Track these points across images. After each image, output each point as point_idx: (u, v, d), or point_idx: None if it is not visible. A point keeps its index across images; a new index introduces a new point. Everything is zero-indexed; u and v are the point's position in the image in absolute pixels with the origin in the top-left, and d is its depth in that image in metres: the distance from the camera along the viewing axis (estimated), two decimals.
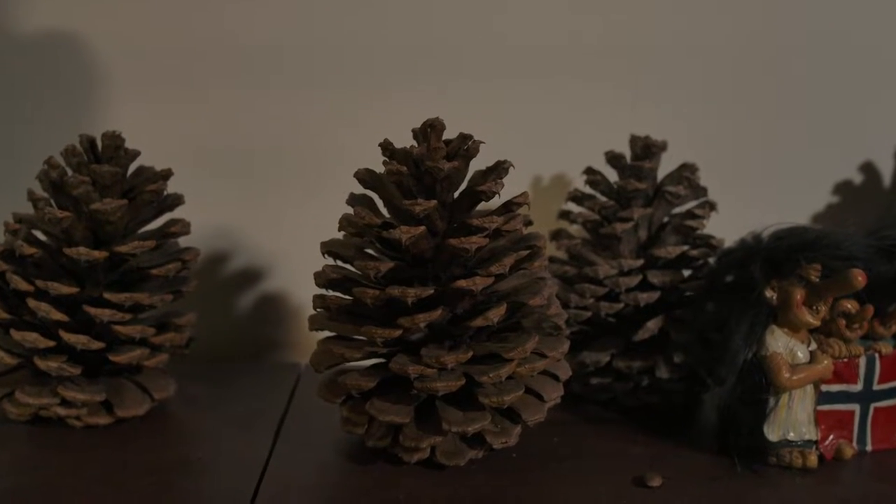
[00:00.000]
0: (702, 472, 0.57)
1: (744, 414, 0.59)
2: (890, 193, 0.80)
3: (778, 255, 0.58)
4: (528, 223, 0.59)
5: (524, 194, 0.56)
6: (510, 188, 0.57)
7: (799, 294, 0.58)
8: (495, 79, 0.78)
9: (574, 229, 0.71)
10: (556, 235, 0.70)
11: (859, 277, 0.55)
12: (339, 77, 0.78)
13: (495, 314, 0.53)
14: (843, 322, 0.60)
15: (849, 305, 0.60)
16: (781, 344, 0.58)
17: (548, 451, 0.60)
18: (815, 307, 0.58)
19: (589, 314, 0.65)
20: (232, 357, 0.80)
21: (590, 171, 0.70)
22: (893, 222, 0.65)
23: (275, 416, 0.65)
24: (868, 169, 0.80)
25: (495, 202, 0.56)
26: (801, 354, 0.58)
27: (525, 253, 0.57)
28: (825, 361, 0.58)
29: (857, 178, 0.80)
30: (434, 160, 0.54)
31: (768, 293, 0.58)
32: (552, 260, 0.70)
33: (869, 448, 0.61)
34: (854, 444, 0.61)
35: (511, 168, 0.57)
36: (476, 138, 0.56)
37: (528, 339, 0.54)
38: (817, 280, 0.57)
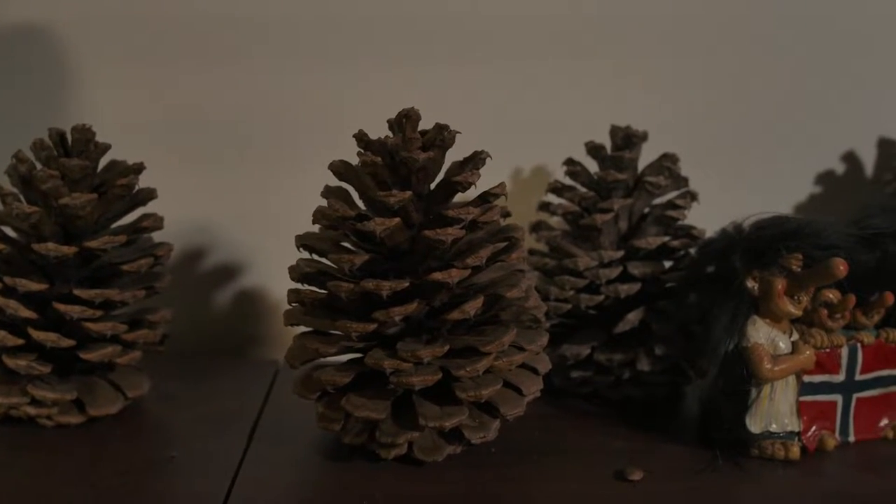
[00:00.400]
0: (683, 465, 0.56)
1: (725, 406, 0.58)
2: (873, 183, 0.79)
3: (759, 245, 0.57)
4: (506, 214, 0.59)
5: (501, 185, 0.55)
6: (490, 179, 0.56)
7: (780, 284, 0.57)
8: (475, 63, 0.77)
9: (554, 221, 0.70)
10: (536, 227, 0.69)
11: (840, 266, 0.55)
12: (317, 60, 0.77)
13: (472, 307, 0.52)
14: (825, 312, 0.59)
15: (831, 295, 0.59)
16: (763, 334, 0.57)
17: (528, 446, 0.59)
18: (796, 297, 0.57)
19: (569, 306, 0.64)
20: (211, 353, 0.79)
21: (570, 162, 0.69)
22: (876, 211, 0.64)
23: (251, 414, 0.64)
24: (850, 159, 0.80)
25: (472, 193, 0.55)
26: (783, 345, 0.58)
27: (503, 245, 0.56)
28: (807, 352, 0.58)
29: (840, 168, 0.80)
30: (409, 150, 0.53)
31: (749, 283, 0.58)
32: (532, 252, 0.69)
33: (852, 439, 0.61)
34: (837, 434, 0.60)
35: (488, 158, 0.56)
36: (452, 128, 0.55)
37: (506, 332, 0.54)
38: (799, 270, 0.57)
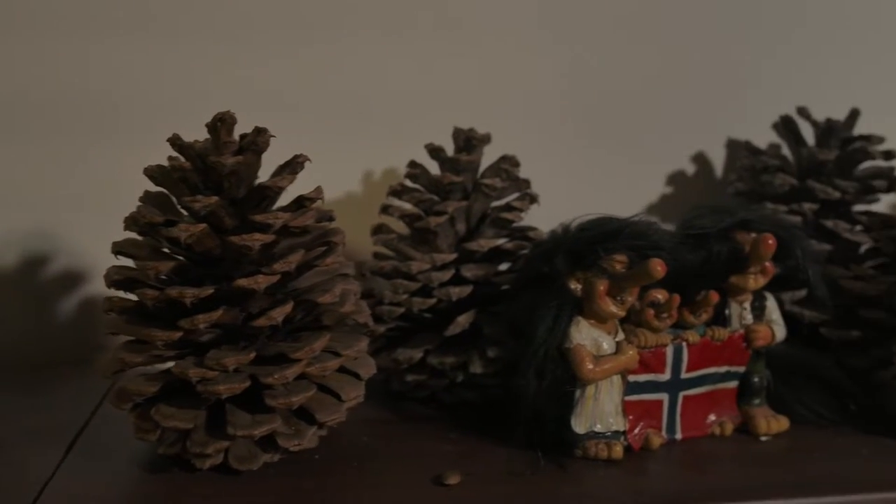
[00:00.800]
0: (505, 467, 0.56)
1: (550, 407, 0.58)
2: (721, 183, 0.80)
3: (580, 246, 0.57)
4: (330, 219, 0.58)
5: (317, 189, 0.54)
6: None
7: (602, 285, 0.57)
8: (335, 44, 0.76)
9: (397, 224, 0.70)
10: (378, 230, 0.68)
11: (658, 267, 0.55)
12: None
13: (279, 313, 0.52)
14: (651, 312, 0.60)
15: (659, 296, 0.60)
16: (586, 336, 0.57)
17: (353, 452, 0.58)
18: (619, 298, 0.58)
19: (402, 310, 0.64)
20: (56, 364, 0.77)
21: (412, 165, 0.68)
22: (705, 212, 0.65)
23: (75, 425, 0.62)
24: (699, 159, 0.81)
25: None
26: (607, 345, 0.58)
27: (322, 249, 0.55)
28: (630, 352, 0.58)
29: (691, 168, 0.81)
30: (219, 155, 0.52)
31: (572, 285, 0.58)
32: (376, 256, 0.68)
33: (679, 436, 0.61)
34: (664, 432, 0.61)
35: (307, 162, 0.55)
36: (270, 132, 0.54)
37: (318, 338, 0.53)
38: (621, 271, 0.57)
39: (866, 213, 0.72)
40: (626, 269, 0.57)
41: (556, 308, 0.58)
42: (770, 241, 0.60)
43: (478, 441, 0.60)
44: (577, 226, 0.59)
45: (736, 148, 0.80)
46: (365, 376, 0.57)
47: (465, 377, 0.64)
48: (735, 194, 0.75)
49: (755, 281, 0.62)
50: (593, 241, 0.57)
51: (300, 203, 0.54)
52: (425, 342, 0.64)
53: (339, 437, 0.58)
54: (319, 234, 0.56)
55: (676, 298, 0.59)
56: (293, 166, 0.55)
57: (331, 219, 0.58)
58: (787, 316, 0.68)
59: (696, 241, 0.61)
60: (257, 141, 0.54)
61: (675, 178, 0.80)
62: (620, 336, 0.59)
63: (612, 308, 0.57)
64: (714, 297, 0.60)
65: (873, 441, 0.62)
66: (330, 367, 0.54)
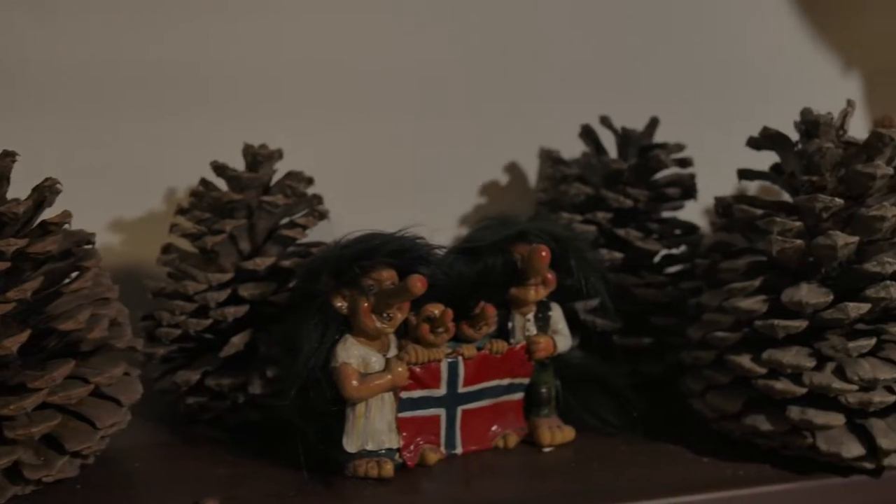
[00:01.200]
0: (272, 490, 0.55)
1: (321, 427, 0.57)
2: (533, 192, 0.81)
3: (343, 263, 0.57)
4: (88, 242, 0.57)
5: (64, 213, 0.53)
6: None
7: (365, 302, 0.57)
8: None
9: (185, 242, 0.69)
10: (166, 250, 0.67)
11: (418, 284, 0.55)
12: None
13: (13, 342, 0.50)
14: (426, 327, 0.59)
15: (436, 311, 0.59)
16: (353, 353, 0.57)
17: (118, 480, 0.57)
18: (385, 314, 0.57)
19: (180, 332, 0.63)
20: None
21: (202, 182, 0.68)
22: (492, 224, 0.65)
23: None
24: (513, 169, 0.81)
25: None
26: (376, 363, 0.57)
27: (75, 274, 0.54)
28: (399, 369, 0.57)
29: (504, 179, 0.81)
30: None
31: (338, 303, 0.57)
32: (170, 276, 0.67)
33: (459, 451, 0.61)
34: (442, 448, 0.60)
35: (57, 187, 0.54)
36: (14, 157, 0.53)
37: (60, 365, 0.52)
38: (388, 287, 0.57)
39: (659, 220, 0.73)
40: (394, 284, 0.57)
41: (323, 326, 0.57)
42: (543, 253, 0.60)
43: (253, 463, 0.59)
44: (342, 243, 0.59)
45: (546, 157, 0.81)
46: (126, 402, 0.56)
47: (246, 398, 0.63)
48: (538, 204, 0.76)
49: (536, 292, 0.63)
50: (354, 258, 0.57)
51: (45, 228, 0.53)
52: (205, 364, 0.63)
53: (110, 464, 0.57)
54: (75, 258, 0.55)
55: (449, 313, 0.59)
56: (41, 191, 0.53)
57: (89, 242, 0.57)
58: (581, 325, 0.69)
59: (472, 254, 0.61)
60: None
61: (488, 189, 0.81)
62: (393, 353, 0.58)
63: (377, 325, 0.57)
64: (490, 309, 0.60)
65: (655, 448, 0.62)
66: (76, 394, 0.52)
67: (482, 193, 0.81)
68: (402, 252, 0.57)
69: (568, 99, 0.81)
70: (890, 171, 0.60)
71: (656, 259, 0.73)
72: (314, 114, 0.78)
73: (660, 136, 0.76)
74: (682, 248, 0.73)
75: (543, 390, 0.64)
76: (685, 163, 0.74)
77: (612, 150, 0.76)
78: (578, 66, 0.82)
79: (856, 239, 0.58)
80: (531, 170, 0.81)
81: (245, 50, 0.76)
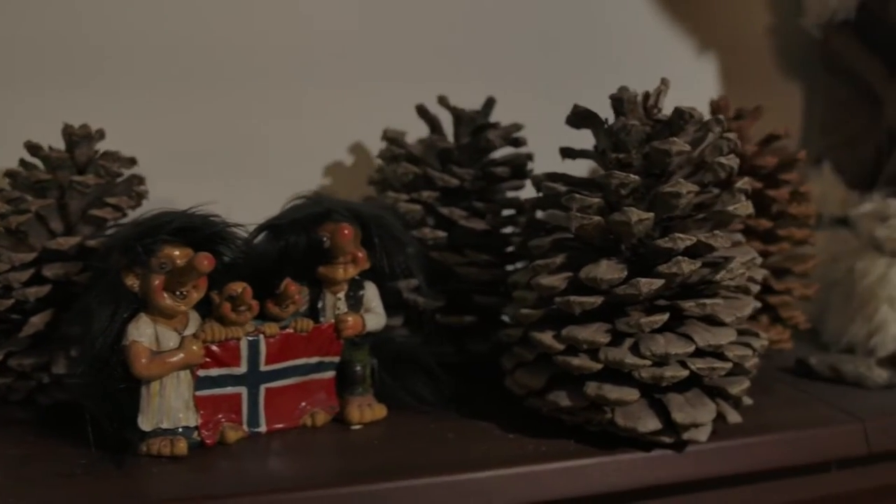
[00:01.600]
0: (61, 470, 0.55)
1: (113, 405, 0.57)
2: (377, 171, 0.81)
3: (133, 242, 0.57)
4: None
5: None
6: None
7: (157, 280, 0.56)
8: None
9: None
10: None
11: (204, 261, 0.55)
12: None
13: None
14: (228, 305, 0.59)
15: (238, 289, 0.59)
16: (145, 332, 0.57)
17: None
18: (179, 292, 0.57)
19: None
20: None
21: (21, 163, 0.67)
22: (306, 202, 0.65)
23: None
24: (358, 149, 0.81)
25: None
26: (172, 341, 0.57)
27: None
28: (193, 346, 0.57)
29: (349, 160, 0.81)
30: None
31: (129, 281, 0.57)
32: None
33: (263, 429, 0.61)
34: (245, 426, 0.60)
35: None
36: None
37: None
38: (180, 265, 0.56)
39: (489, 200, 0.73)
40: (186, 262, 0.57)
41: (113, 304, 0.57)
42: (346, 231, 0.60)
43: (53, 443, 0.59)
44: (132, 221, 0.58)
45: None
46: None
47: (51, 378, 0.62)
48: (370, 183, 0.76)
49: (345, 271, 0.63)
50: (143, 236, 0.56)
51: None
52: (10, 344, 0.62)
53: None
54: None
55: (249, 291, 0.59)
56: None
57: None
58: (404, 304, 0.69)
59: (275, 232, 0.61)
60: None
61: (332, 170, 0.81)
62: (191, 331, 0.58)
63: (170, 302, 0.57)
64: (291, 287, 0.60)
65: (464, 425, 0.63)
66: None
67: (326, 174, 0.81)
68: (190, 230, 0.57)
69: (416, 79, 0.81)
70: (686, 147, 0.60)
71: (485, 239, 0.73)
72: (150, 91, 0.77)
73: (514, 118, 0.75)
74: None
75: (358, 368, 0.64)
76: (518, 142, 0.74)
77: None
78: (434, 47, 0.82)
79: (650, 215, 0.59)
80: (376, 150, 0.81)
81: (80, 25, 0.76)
